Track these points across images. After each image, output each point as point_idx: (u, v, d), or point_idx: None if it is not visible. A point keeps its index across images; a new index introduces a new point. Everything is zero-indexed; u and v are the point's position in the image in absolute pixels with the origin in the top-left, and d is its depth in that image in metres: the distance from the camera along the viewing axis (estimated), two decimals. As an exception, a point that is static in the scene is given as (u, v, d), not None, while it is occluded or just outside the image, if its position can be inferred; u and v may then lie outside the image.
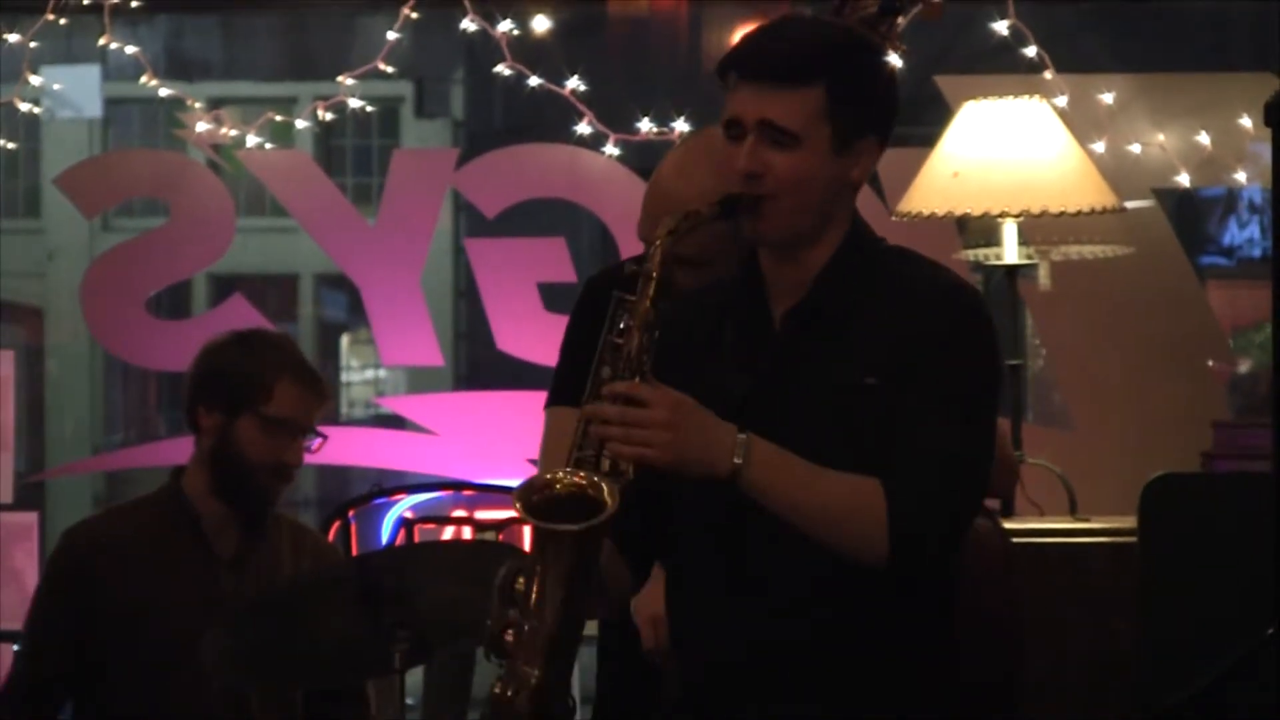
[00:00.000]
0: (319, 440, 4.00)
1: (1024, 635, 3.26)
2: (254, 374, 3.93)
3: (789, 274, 2.70)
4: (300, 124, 6.42)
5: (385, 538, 5.42)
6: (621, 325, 2.59)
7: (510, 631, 2.55)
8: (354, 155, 18.39)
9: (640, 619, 3.07)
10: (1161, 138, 6.00)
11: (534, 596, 2.53)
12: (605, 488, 2.51)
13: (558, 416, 3.29)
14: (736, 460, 2.55)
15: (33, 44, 6.02)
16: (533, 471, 2.71)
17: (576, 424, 2.58)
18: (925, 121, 5.64)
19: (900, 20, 3.61)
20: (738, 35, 2.76)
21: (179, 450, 4.06)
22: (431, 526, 5.40)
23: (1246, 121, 5.92)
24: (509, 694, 2.54)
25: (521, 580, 2.55)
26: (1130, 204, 5.28)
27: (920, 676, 2.69)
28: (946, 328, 2.65)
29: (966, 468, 2.64)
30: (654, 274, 2.60)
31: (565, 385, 3.20)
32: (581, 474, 2.54)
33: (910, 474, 2.59)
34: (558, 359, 3.42)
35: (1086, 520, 4.63)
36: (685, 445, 2.54)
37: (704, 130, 3.36)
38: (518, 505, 2.53)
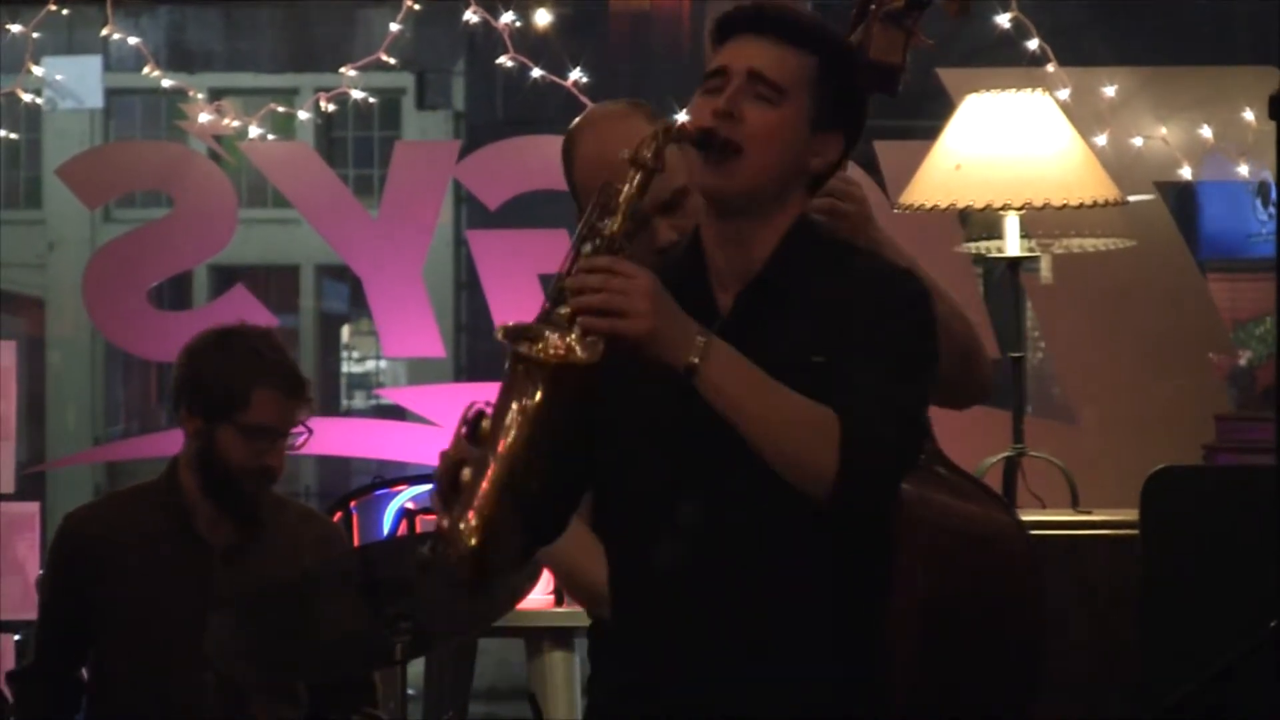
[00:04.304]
0: (304, 436, 3.99)
1: (1046, 635, 3.25)
2: (230, 383, 3.91)
3: (736, 257, 2.73)
4: (302, 115, 6.41)
5: (387, 529, 5.42)
6: (606, 207, 2.59)
7: (466, 469, 2.53)
8: (355, 147, 18.38)
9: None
10: (1164, 131, 5.99)
11: (498, 428, 2.50)
12: (582, 348, 2.49)
13: None
14: (696, 357, 2.55)
15: (35, 35, 6.02)
16: None
17: (551, 289, 2.57)
18: (927, 114, 5.64)
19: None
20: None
21: (179, 441, 4.06)
22: (433, 517, 5.38)
23: (1249, 115, 5.92)
24: (457, 526, 2.53)
25: (486, 421, 2.52)
26: (1132, 197, 5.28)
27: (862, 636, 2.70)
28: (893, 306, 2.69)
29: (908, 415, 2.66)
30: (648, 164, 2.59)
31: None
32: (561, 340, 2.49)
33: (860, 408, 2.59)
34: None
35: (1088, 513, 4.63)
36: (659, 319, 2.54)
37: (594, 112, 3.38)
38: (501, 336, 2.51)
